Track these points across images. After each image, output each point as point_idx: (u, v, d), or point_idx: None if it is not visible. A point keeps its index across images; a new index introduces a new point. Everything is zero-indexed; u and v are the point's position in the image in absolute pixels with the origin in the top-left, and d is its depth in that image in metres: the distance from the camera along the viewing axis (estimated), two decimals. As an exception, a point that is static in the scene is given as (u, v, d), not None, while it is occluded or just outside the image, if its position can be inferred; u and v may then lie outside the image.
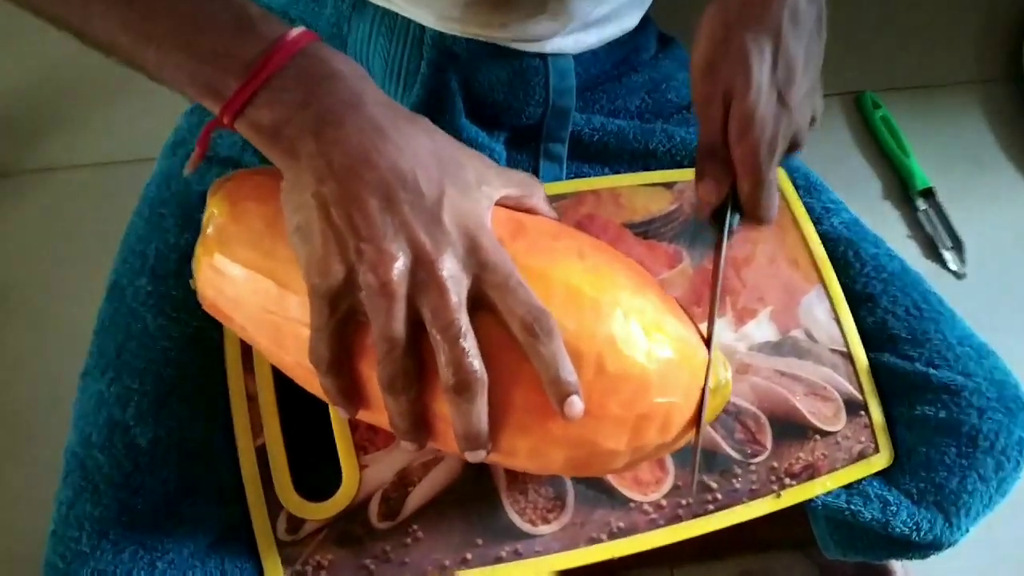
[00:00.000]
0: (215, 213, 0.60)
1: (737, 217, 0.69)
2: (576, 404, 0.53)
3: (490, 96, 0.82)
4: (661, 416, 0.59)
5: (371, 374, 0.55)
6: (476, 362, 0.52)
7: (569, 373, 0.53)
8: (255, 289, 0.58)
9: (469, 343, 0.52)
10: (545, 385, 0.53)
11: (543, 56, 0.82)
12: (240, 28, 0.54)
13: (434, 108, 0.80)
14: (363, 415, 0.59)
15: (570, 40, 0.82)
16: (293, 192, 0.54)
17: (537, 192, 0.63)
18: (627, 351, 0.57)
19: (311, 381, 0.58)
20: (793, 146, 0.69)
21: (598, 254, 0.61)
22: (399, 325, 0.52)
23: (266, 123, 0.54)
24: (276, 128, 0.53)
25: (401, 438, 0.56)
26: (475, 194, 0.56)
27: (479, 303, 0.54)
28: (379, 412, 0.56)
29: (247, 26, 0.54)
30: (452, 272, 0.53)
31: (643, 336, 0.58)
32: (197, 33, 0.54)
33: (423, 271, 0.52)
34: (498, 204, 0.59)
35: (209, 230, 0.60)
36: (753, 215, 0.68)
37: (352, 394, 0.56)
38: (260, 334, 0.60)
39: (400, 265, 0.52)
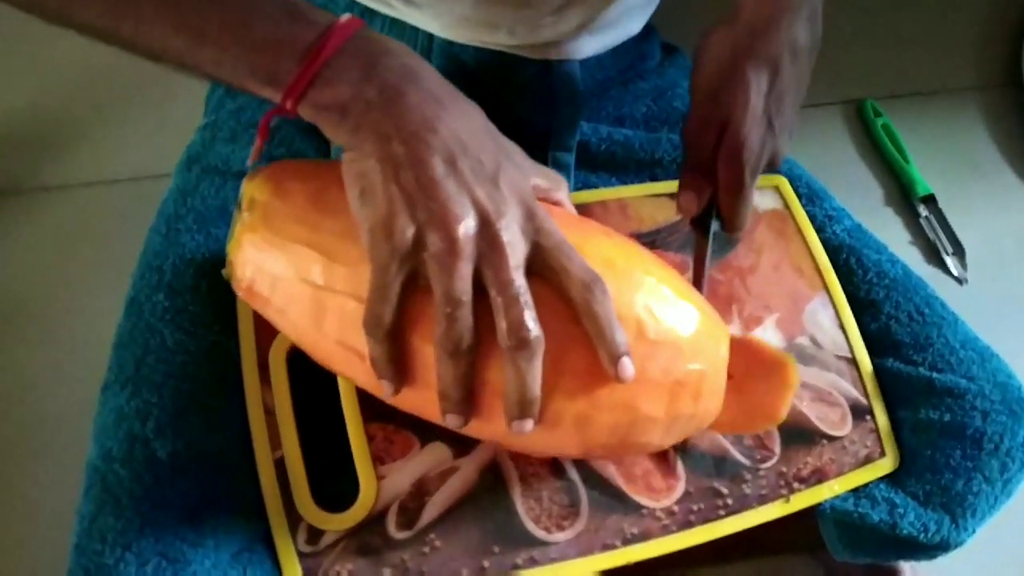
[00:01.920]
0: (256, 195, 0.62)
1: (718, 224, 0.74)
2: (628, 365, 0.56)
3: (497, 103, 0.83)
4: (694, 383, 0.61)
5: (421, 347, 0.56)
6: (534, 323, 0.54)
7: (622, 335, 0.56)
8: (300, 264, 0.59)
9: (528, 303, 0.54)
10: (598, 346, 0.56)
11: (549, 63, 0.83)
12: (292, 17, 0.57)
13: None
14: (404, 395, 0.60)
15: (576, 46, 0.84)
16: (356, 161, 0.56)
17: (563, 188, 0.66)
18: (663, 318, 0.60)
19: (351, 362, 0.59)
20: (771, 164, 0.73)
21: (621, 236, 0.65)
22: (465, 284, 0.53)
23: (330, 102, 0.56)
24: (341, 105, 0.56)
25: (449, 411, 0.57)
26: (524, 169, 0.60)
27: (532, 270, 0.56)
28: (423, 389, 0.58)
29: (298, 15, 0.57)
30: (512, 234, 0.55)
31: (675, 304, 0.61)
32: (251, 26, 0.56)
33: (487, 232, 0.54)
34: None
35: (251, 210, 0.62)
36: (731, 225, 0.74)
37: (401, 365, 0.58)
38: (300, 314, 0.61)
39: (467, 224, 0.54)
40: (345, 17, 0.57)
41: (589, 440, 0.61)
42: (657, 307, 0.60)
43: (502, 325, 0.54)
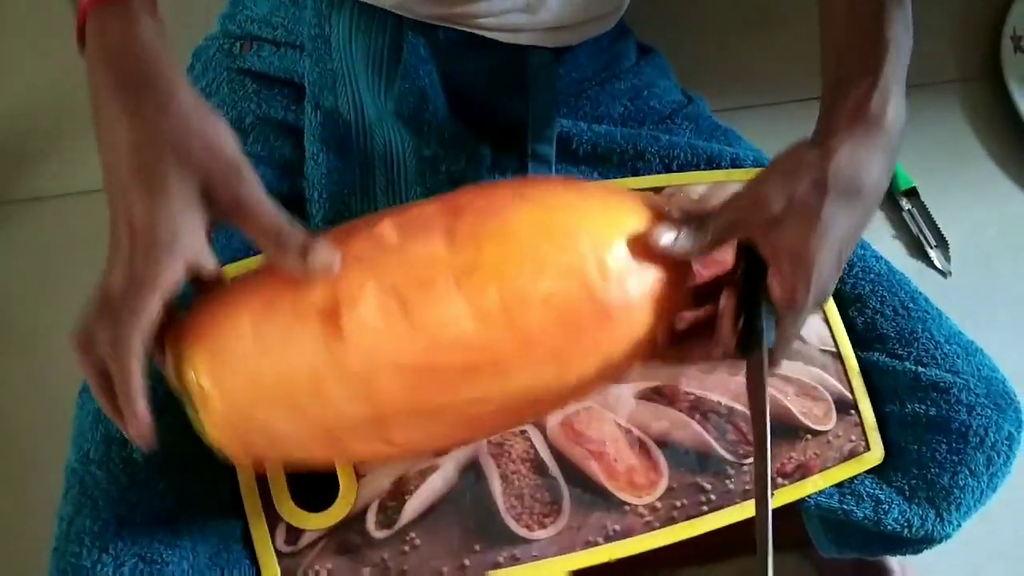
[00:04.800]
0: (197, 385, 0.58)
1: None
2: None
3: (471, 89, 0.83)
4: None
5: None
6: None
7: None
8: (277, 406, 0.57)
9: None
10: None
11: (521, 48, 0.83)
12: None
13: (417, 103, 0.81)
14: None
15: (548, 36, 0.83)
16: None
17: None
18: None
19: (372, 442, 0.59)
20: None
21: (533, 186, 0.63)
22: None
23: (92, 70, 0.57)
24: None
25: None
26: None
27: None
28: None
29: None
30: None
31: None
32: None
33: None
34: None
35: (203, 405, 0.58)
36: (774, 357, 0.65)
37: None
38: (313, 440, 0.58)
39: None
40: None
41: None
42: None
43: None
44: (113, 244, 0.54)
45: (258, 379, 0.55)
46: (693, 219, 0.62)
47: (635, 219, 0.61)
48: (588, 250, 0.58)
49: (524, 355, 0.57)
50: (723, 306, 0.64)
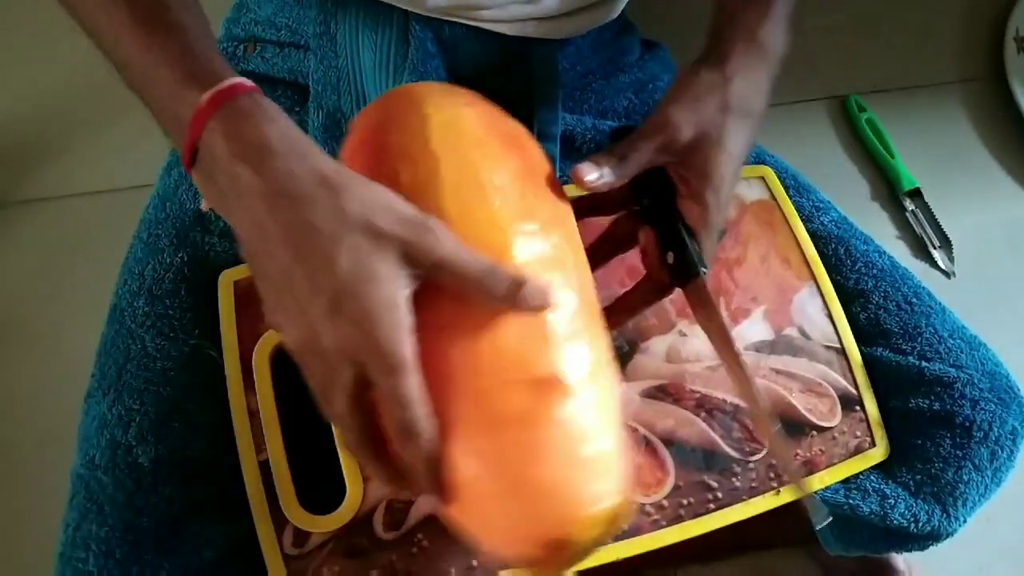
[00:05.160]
0: None
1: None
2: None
3: (477, 85, 0.83)
4: None
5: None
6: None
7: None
8: None
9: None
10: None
11: (526, 41, 0.83)
12: (175, 90, 0.55)
13: None
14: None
15: (554, 26, 0.84)
16: (241, 243, 0.54)
17: (428, 233, 0.53)
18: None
19: None
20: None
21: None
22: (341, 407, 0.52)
23: (208, 181, 0.54)
24: (215, 194, 0.54)
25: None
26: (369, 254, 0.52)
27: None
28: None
29: (186, 81, 0.54)
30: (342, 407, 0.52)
31: None
32: (157, 83, 0.56)
33: (353, 270, 0.51)
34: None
35: None
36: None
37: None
38: None
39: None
40: (221, 86, 0.53)
41: None
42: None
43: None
44: (333, 345, 0.50)
45: None
46: (613, 155, 0.64)
47: None
48: None
49: None
50: (644, 243, 0.66)
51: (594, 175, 0.63)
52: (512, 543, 0.51)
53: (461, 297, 0.52)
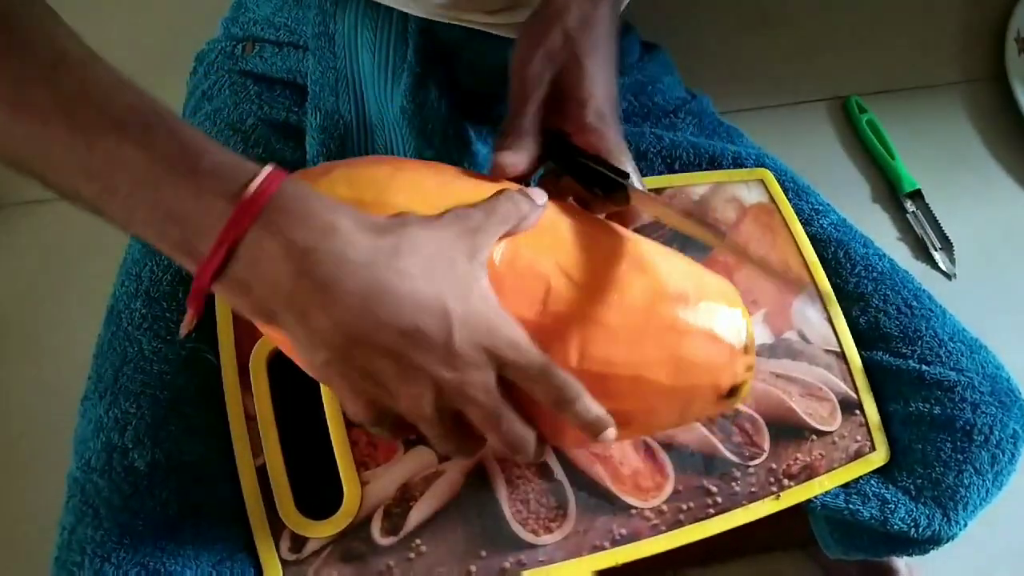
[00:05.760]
0: None
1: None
2: (609, 435, 0.57)
3: (476, 86, 0.83)
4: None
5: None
6: (519, 428, 0.56)
7: (596, 417, 0.56)
8: None
9: (508, 421, 0.55)
10: (582, 431, 0.56)
11: None
12: (198, 182, 0.49)
13: (422, 100, 0.81)
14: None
15: None
16: (303, 352, 0.52)
17: (530, 215, 0.59)
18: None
19: None
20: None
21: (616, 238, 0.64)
22: (455, 442, 0.56)
23: (247, 290, 0.50)
24: (258, 302, 0.50)
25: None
26: (474, 284, 0.54)
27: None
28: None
29: (206, 178, 0.49)
30: (477, 381, 0.53)
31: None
32: (158, 187, 0.48)
33: (452, 394, 0.53)
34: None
35: None
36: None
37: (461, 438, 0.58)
38: None
39: (428, 398, 0.53)
40: (259, 178, 0.49)
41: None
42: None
43: (493, 440, 0.56)
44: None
45: None
46: (513, 135, 0.66)
47: None
48: None
49: None
50: (573, 193, 0.68)
51: (515, 158, 0.65)
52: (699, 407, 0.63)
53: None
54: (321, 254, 0.49)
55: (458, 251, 0.53)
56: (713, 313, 0.62)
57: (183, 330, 0.54)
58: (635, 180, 0.64)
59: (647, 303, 0.60)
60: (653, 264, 0.62)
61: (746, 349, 0.62)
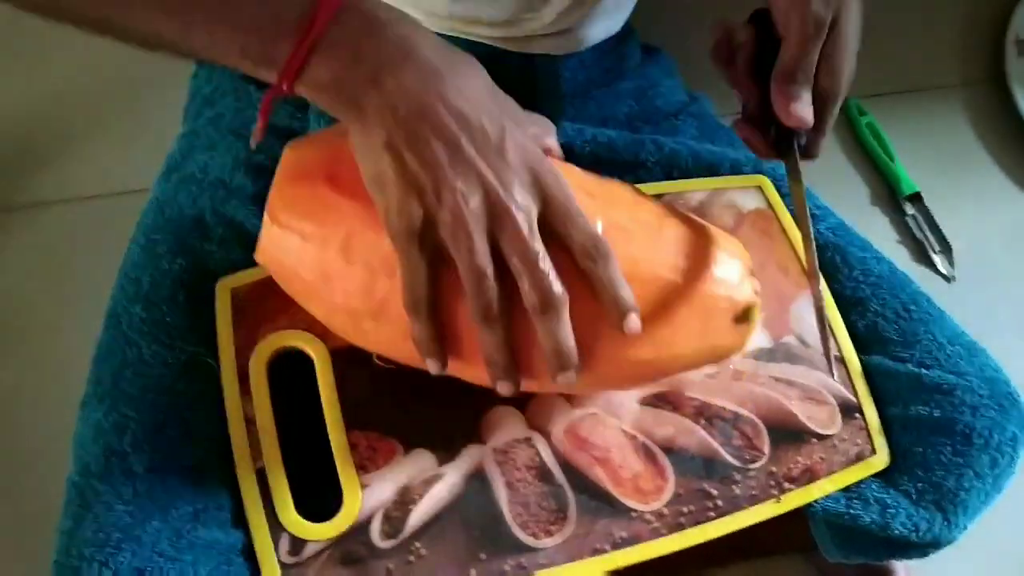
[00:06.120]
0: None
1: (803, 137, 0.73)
2: (633, 321, 0.58)
3: None
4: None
5: (460, 318, 0.58)
6: (556, 283, 0.56)
7: (625, 292, 0.58)
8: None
9: (546, 265, 0.56)
10: (604, 305, 0.58)
11: (531, 57, 0.83)
12: None
13: None
14: (453, 367, 0.61)
15: (557, 42, 0.83)
16: (364, 143, 0.56)
17: (552, 132, 0.68)
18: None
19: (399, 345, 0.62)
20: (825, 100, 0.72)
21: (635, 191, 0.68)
22: (481, 257, 0.55)
23: (325, 81, 0.55)
24: (337, 84, 0.55)
25: (498, 378, 0.60)
26: (525, 127, 0.59)
27: (544, 229, 0.57)
28: (468, 361, 0.60)
29: None
30: (521, 202, 0.55)
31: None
32: (239, 6, 0.55)
33: (496, 204, 0.55)
34: None
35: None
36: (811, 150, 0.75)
37: (444, 342, 0.59)
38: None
39: (474, 202, 0.54)
40: None
41: (637, 374, 0.66)
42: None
43: (525, 288, 0.56)
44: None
45: None
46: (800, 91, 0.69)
47: None
48: None
49: None
50: (752, 107, 0.72)
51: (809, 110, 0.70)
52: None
53: None
54: (398, 26, 0.56)
55: (512, 107, 0.61)
56: (718, 235, 0.68)
57: (254, 139, 0.60)
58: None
59: (659, 218, 0.66)
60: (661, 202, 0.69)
61: (752, 272, 0.68)
